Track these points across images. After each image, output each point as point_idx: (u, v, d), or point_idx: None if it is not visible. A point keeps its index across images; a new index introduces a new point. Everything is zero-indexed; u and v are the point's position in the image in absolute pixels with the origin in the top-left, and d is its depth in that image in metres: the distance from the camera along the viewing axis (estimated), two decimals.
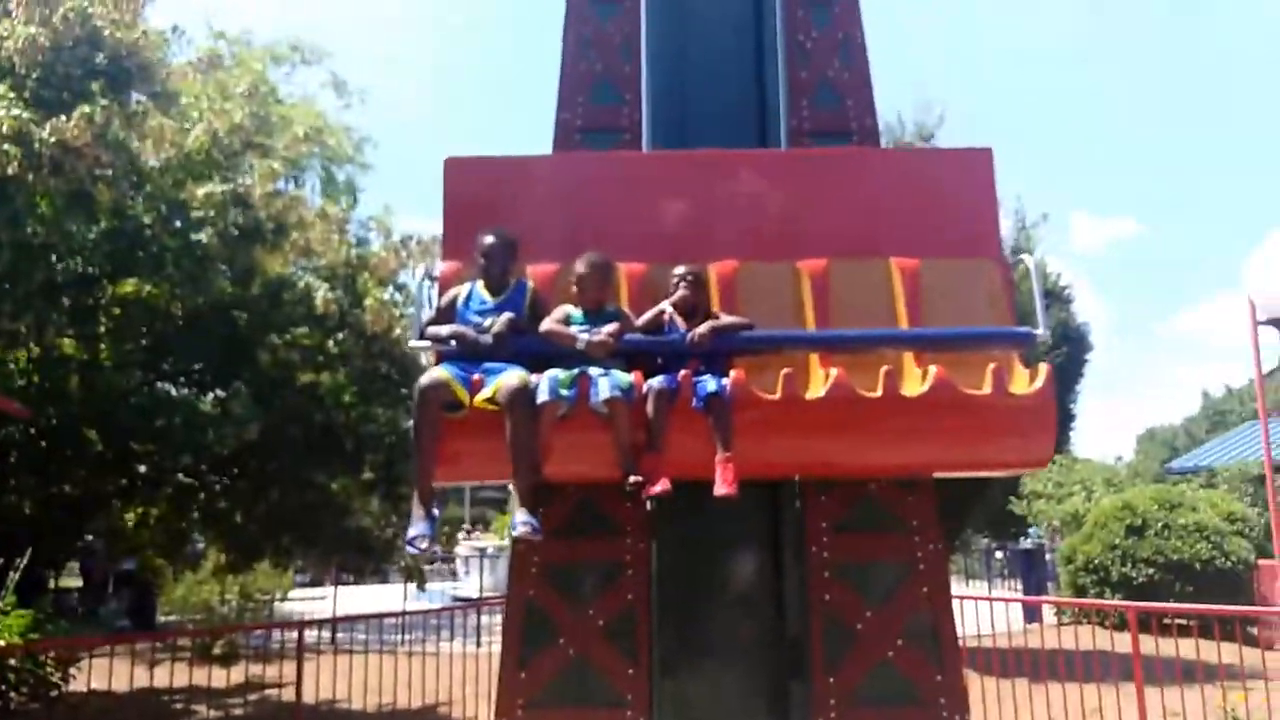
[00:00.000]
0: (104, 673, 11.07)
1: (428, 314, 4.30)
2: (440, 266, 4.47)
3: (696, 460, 3.79)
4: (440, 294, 4.34)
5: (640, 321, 4.12)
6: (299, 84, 16.70)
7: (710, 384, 3.87)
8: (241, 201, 10.23)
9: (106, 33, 8.75)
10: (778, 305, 4.32)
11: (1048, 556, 22.49)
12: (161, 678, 9.51)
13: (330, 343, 11.35)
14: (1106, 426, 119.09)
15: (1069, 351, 19.22)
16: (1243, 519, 18.40)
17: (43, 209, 9.22)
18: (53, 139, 8.13)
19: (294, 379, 11.90)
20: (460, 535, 32.60)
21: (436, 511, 3.99)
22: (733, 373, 3.95)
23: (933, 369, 3.92)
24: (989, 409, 3.88)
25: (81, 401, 11.39)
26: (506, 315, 4.04)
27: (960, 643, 4.74)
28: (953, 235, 4.41)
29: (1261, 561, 17.10)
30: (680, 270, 4.18)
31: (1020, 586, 22.26)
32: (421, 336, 4.17)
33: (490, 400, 3.80)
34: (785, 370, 3.92)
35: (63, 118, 8.20)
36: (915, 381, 4.00)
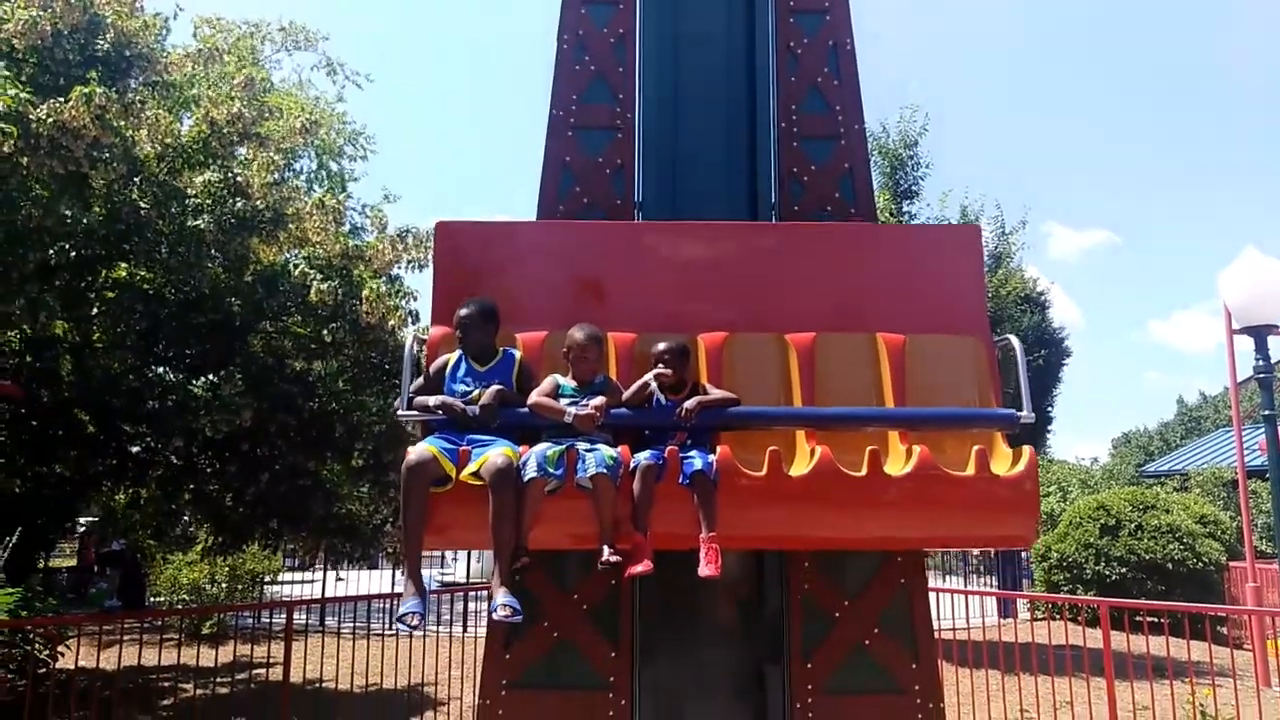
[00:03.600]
0: (92, 651, 11.23)
1: (417, 382, 4.24)
2: (430, 331, 4.46)
3: (680, 536, 3.82)
4: (430, 359, 4.31)
5: (626, 395, 4.10)
6: (291, 68, 16.73)
7: (697, 462, 3.86)
8: (240, 191, 10.27)
9: (109, 19, 8.74)
10: (765, 376, 4.35)
11: (1023, 554, 22.79)
12: (150, 656, 9.64)
13: (324, 332, 11.38)
14: (1082, 429, 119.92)
15: (1046, 355, 19.50)
16: (1215, 522, 18.69)
17: (37, 191, 9.23)
18: (50, 119, 8.09)
19: (287, 366, 11.97)
20: None
21: (429, 586, 3.94)
22: (719, 448, 3.94)
23: (917, 449, 3.95)
24: (972, 490, 3.91)
25: (73, 383, 11.44)
26: (494, 387, 4.01)
27: (936, 635, 4.91)
28: (939, 311, 4.44)
29: (1233, 564, 17.41)
30: (660, 348, 4.15)
31: (995, 582, 22.57)
32: (410, 406, 4.13)
33: (476, 475, 3.80)
34: (771, 448, 3.93)
35: (61, 99, 8.18)
36: (899, 460, 4.02)
